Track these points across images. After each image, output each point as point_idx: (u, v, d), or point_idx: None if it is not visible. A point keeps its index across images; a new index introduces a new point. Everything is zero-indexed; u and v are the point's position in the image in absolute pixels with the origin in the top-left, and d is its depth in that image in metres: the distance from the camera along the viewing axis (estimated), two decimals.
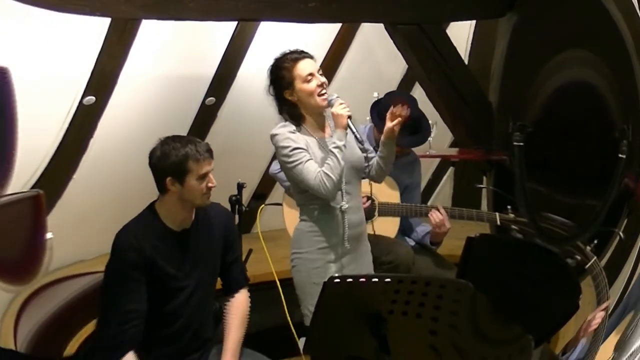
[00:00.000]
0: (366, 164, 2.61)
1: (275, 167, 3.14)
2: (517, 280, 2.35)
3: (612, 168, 2.73)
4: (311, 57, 2.51)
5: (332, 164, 2.38)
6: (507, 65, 4.07)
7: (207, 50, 4.11)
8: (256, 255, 3.16)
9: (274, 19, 3.70)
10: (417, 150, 3.42)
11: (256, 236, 3.14)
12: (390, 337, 1.67)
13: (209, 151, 2.29)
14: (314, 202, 2.52)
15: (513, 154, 3.22)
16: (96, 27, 3.43)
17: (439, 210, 3.14)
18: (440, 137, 4.08)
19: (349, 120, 2.41)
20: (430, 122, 3.44)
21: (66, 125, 3.64)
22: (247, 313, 2.50)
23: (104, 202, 3.80)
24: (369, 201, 3.14)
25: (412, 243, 3.34)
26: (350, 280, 1.67)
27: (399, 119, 2.47)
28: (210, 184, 2.29)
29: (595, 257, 2.61)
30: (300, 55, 2.48)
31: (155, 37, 3.70)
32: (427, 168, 4.85)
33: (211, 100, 4.21)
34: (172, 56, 3.96)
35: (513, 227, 3.12)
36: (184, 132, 3.97)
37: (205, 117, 4.24)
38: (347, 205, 2.51)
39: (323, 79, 2.47)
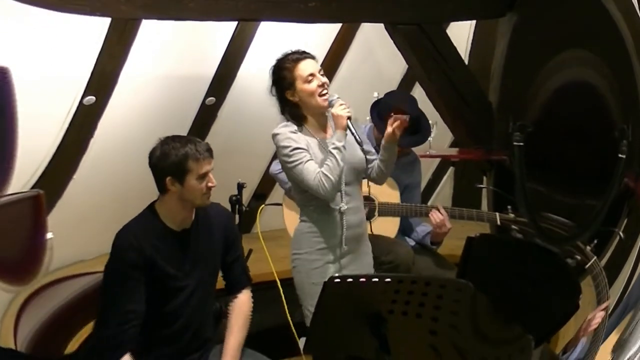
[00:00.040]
0: (368, 166, 2.61)
1: (276, 167, 3.14)
2: (517, 280, 2.35)
3: (612, 168, 2.73)
4: (313, 57, 2.51)
5: (331, 164, 2.38)
6: (507, 65, 4.07)
7: (207, 50, 4.11)
8: (256, 255, 3.16)
9: (274, 19, 3.70)
10: (417, 150, 3.42)
11: (256, 236, 3.14)
12: (390, 337, 1.67)
13: (209, 151, 2.29)
14: (314, 202, 2.52)
15: (513, 153, 3.23)
16: (96, 27, 3.43)
17: (439, 210, 3.14)
18: (440, 137, 4.08)
19: (348, 121, 2.40)
20: (430, 122, 3.44)
21: (66, 125, 3.64)
22: (250, 314, 2.50)
23: (104, 202, 3.80)
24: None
25: (412, 243, 3.34)
26: (350, 280, 1.67)
27: (398, 122, 2.48)
28: (210, 184, 2.29)
29: (595, 257, 2.61)
30: (301, 55, 2.48)
31: (155, 37, 3.70)
32: (427, 168, 4.85)
33: (211, 100, 4.22)
34: (172, 56, 3.96)
35: (513, 227, 3.12)
36: (184, 132, 3.97)
37: (206, 117, 4.25)
38: (346, 207, 2.51)
39: (324, 80, 2.47)
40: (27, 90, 3.23)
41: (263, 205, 3.40)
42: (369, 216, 3.09)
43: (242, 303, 2.50)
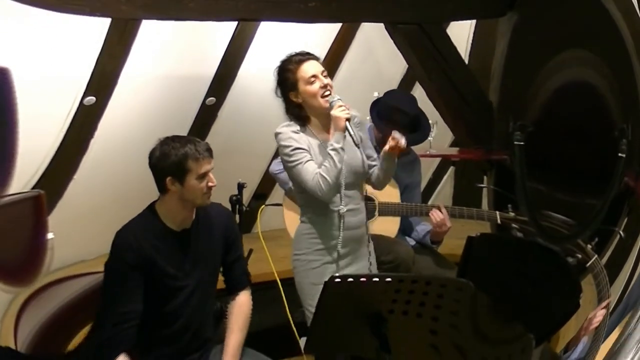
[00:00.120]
0: (370, 169, 2.61)
1: (275, 167, 3.14)
2: (518, 279, 2.36)
3: (612, 167, 2.73)
4: (316, 58, 2.51)
5: (329, 166, 2.39)
6: (507, 65, 4.07)
7: (207, 50, 4.11)
8: (257, 255, 3.16)
9: (274, 19, 3.70)
10: (418, 149, 3.42)
11: (257, 236, 3.14)
12: (391, 336, 1.67)
13: (209, 150, 2.29)
14: (313, 203, 2.52)
15: (513, 153, 3.23)
16: (96, 27, 3.42)
17: (439, 210, 3.14)
18: (440, 137, 4.08)
19: (347, 122, 2.40)
20: (430, 121, 3.44)
21: (66, 125, 3.63)
22: (249, 314, 2.50)
23: (104, 202, 3.79)
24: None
25: (413, 242, 3.34)
26: (350, 280, 1.67)
27: (394, 143, 2.48)
28: (210, 183, 2.29)
29: (596, 256, 2.61)
30: (304, 57, 2.49)
31: (155, 37, 3.69)
32: (428, 168, 4.85)
33: (211, 100, 4.21)
34: (172, 56, 3.95)
35: (513, 225, 3.12)
36: (184, 132, 3.97)
37: (206, 117, 4.24)
38: (345, 209, 2.51)
39: (327, 81, 2.47)
40: (27, 90, 3.22)
41: (263, 206, 3.40)
42: (369, 216, 3.09)
43: (242, 303, 2.50)
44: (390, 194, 3.19)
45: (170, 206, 2.31)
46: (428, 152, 3.90)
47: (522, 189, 3.14)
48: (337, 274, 1.67)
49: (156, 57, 3.85)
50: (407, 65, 4.39)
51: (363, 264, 2.62)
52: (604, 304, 2.43)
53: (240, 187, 3.15)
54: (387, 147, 2.51)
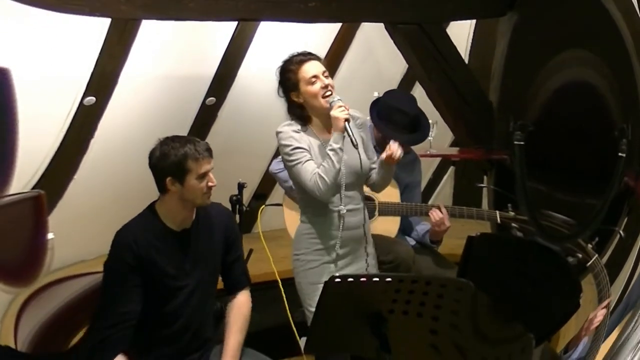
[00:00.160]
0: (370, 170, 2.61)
1: (275, 166, 3.14)
2: (518, 279, 2.36)
3: (612, 167, 2.73)
4: (318, 58, 2.52)
5: (327, 166, 2.39)
6: (507, 65, 4.07)
7: (207, 50, 4.11)
8: (257, 255, 3.16)
9: (274, 19, 3.70)
10: (418, 149, 3.42)
11: (257, 236, 3.14)
12: (391, 336, 1.67)
13: (208, 150, 2.29)
14: (312, 203, 2.52)
15: (514, 153, 3.22)
16: (96, 27, 3.42)
17: (439, 209, 3.14)
18: (440, 137, 4.08)
19: (346, 123, 2.40)
20: (430, 121, 3.44)
21: (66, 125, 3.63)
22: (249, 315, 2.50)
23: (104, 202, 3.79)
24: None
25: (413, 242, 3.34)
26: (351, 279, 1.67)
27: (390, 152, 2.48)
28: (210, 183, 2.29)
29: (596, 255, 2.61)
30: (305, 57, 2.49)
31: (155, 37, 3.69)
32: (428, 167, 4.85)
33: (211, 100, 4.21)
34: (172, 56, 3.95)
35: (513, 225, 3.12)
36: (184, 132, 3.97)
37: (206, 117, 4.24)
38: (345, 210, 2.50)
39: (328, 81, 2.47)
40: (27, 90, 3.22)
41: (263, 206, 3.40)
42: (369, 216, 3.08)
43: (242, 304, 2.50)
44: (390, 194, 3.19)
45: (170, 206, 2.31)
46: (428, 152, 3.90)
47: (522, 189, 3.14)
48: (337, 274, 1.67)
49: (156, 57, 3.85)
50: (407, 65, 4.39)
51: (363, 264, 2.62)
52: (604, 303, 2.43)
53: (241, 187, 3.15)
54: (383, 155, 2.52)
